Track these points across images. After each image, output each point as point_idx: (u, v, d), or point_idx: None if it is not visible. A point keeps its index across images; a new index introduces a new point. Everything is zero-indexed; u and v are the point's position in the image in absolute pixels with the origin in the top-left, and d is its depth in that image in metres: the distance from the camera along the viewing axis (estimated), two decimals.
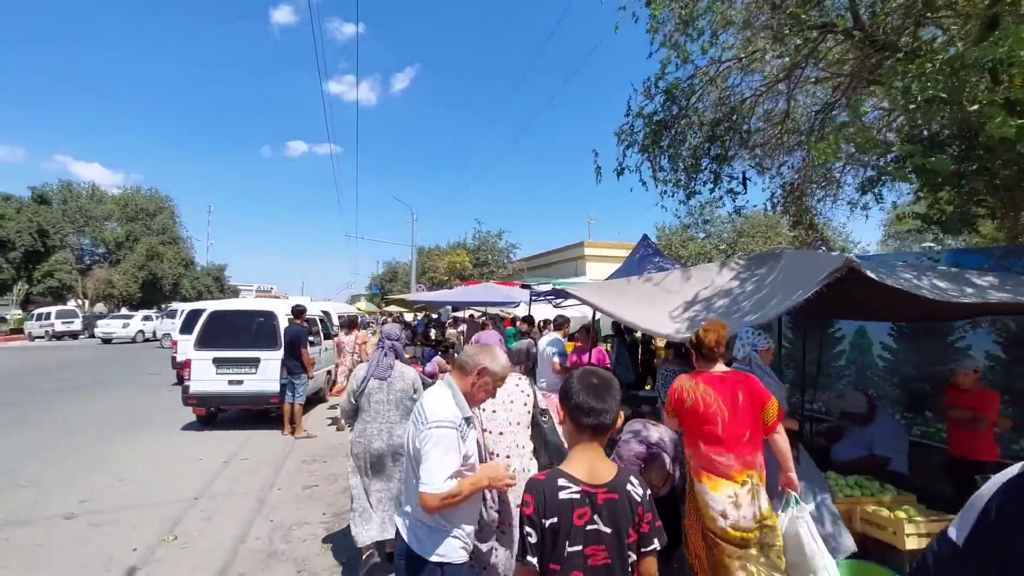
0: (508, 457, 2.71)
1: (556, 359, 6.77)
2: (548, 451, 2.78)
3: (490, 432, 2.73)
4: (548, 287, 8.90)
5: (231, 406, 8.18)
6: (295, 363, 7.58)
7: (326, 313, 11.67)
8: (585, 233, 34.40)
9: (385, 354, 3.68)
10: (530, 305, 9.12)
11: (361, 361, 9.45)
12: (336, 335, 9.84)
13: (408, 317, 23.55)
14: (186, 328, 11.37)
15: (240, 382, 7.85)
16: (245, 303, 8.89)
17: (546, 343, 6.88)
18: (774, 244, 24.67)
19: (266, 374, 7.88)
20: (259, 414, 8.33)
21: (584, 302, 5.86)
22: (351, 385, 3.66)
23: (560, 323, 7.37)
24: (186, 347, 8.86)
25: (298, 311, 7.97)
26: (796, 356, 6.70)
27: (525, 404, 2.82)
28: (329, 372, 10.74)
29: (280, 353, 7.86)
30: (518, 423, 2.77)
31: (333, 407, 10.32)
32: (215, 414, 8.45)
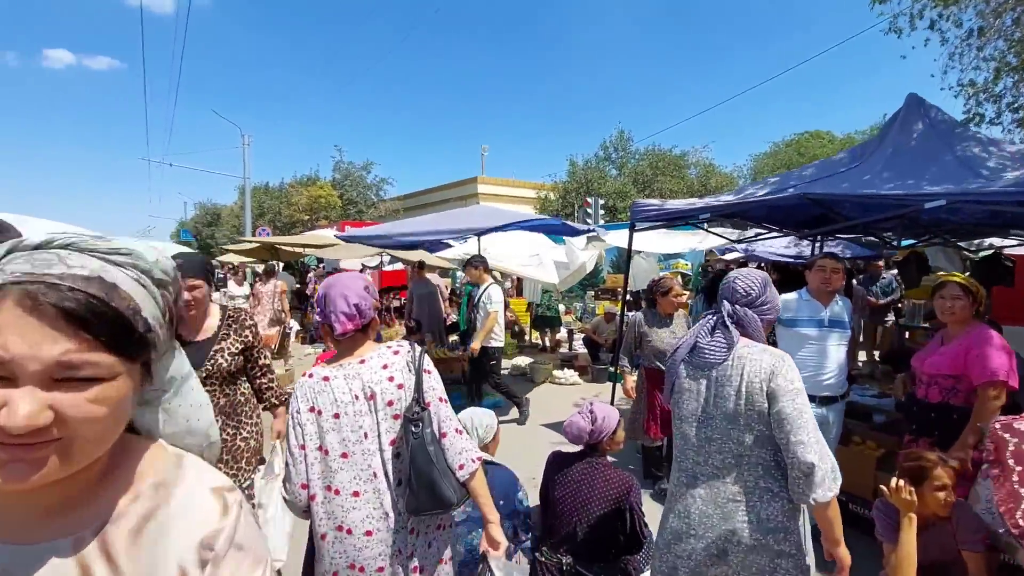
0: (356, 495, 1.48)
1: None
2: (417, 485, 1.46)
3: (326, 452, 1.50)
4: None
5: None
6: None
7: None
8: (477, 167, 29.32)
9: (715, 328, 1.74)
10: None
11: (284, 312, 7.52)
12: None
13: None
14: None
15: None
16: None
17: None
18: (684, 183, 22.99)
19: None
20: None
21: None
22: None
23: None
24: None
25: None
26: None
27: (391, 403, 1.52)
28: None
29: None
30: (378, 435, 1.51)
31: None
32: None
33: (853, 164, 3.85)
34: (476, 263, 5.40)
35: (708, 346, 1.71)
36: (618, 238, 8.18)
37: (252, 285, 9.71)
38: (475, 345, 5.08)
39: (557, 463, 2.37)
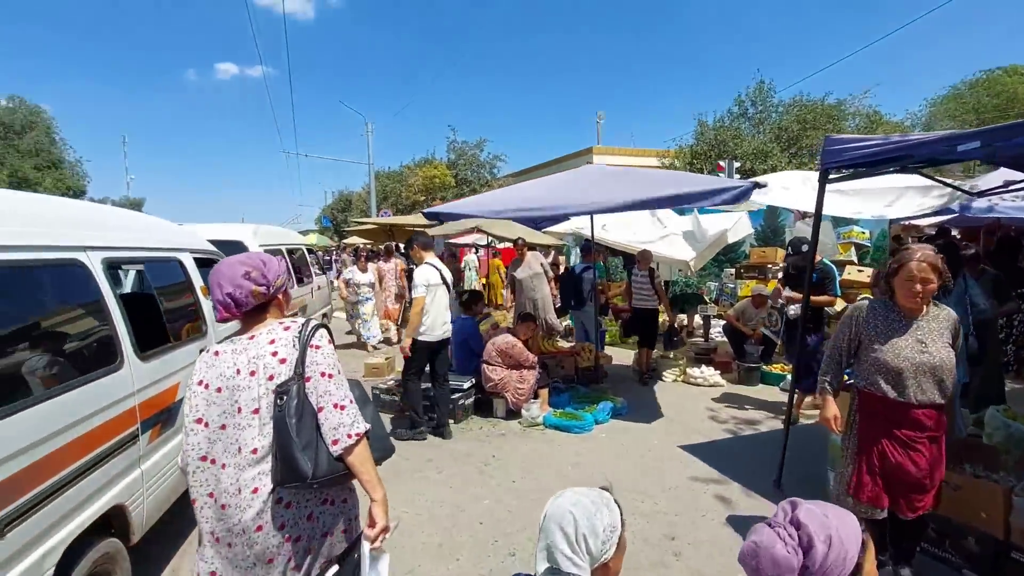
0: (224, 468, 1.52)
1: None
2: (279, 457, 1.48)
3: (206, 424, 1.53)
4: None
5: None
6: None
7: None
8: (592, 137, 27.64)
9: None
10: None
11: (406, 289, 8.12)
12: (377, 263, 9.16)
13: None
14: None
15: None
16: None
17: None
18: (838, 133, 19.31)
19: None
20: None
21: None
22: None
23: None
24: None
25: None
26: None
27: (272, 377, 1.52)
28: None
29: None
30: (253, 411, 1.51)
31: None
32: None
33: None
34: (414, 241, 4.65)
35: None
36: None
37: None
38: (405, 344, 4.38)
39: None
